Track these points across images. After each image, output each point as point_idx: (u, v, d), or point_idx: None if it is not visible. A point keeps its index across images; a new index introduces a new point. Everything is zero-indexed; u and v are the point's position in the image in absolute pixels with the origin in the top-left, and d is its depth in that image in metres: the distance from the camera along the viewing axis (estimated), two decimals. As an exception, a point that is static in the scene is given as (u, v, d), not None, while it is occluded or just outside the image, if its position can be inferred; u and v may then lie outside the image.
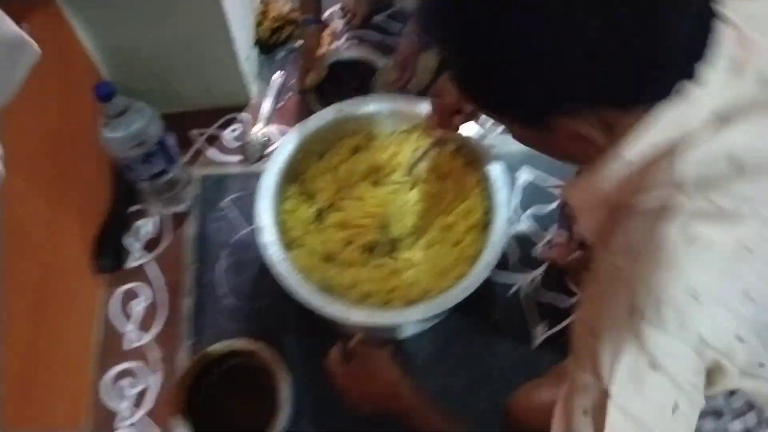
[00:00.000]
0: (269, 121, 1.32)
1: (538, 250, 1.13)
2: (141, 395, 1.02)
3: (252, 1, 1.42)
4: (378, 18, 1.48)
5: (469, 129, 1.00)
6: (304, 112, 1.25)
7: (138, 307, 1.10)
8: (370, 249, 1.01)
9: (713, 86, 0.46)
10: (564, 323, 1.04)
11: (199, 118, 1.31)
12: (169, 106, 1.18)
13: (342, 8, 1.50)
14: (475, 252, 0.95)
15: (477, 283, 0.89)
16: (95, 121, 0.99)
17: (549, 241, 1.13)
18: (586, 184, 0.55)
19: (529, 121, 0.52)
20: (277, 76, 1.37)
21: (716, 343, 0.45)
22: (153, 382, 1.03)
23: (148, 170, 1.05)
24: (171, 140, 1.09)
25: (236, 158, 1.28)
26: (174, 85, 1.26)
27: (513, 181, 1.18)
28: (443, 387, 1.01)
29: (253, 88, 1.35)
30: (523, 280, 1.10)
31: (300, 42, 1.36)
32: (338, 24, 1.48)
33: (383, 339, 1.03)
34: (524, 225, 1.16)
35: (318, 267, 0.97)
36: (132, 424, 1.00)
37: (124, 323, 1.09)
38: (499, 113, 0.55)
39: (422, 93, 1.22)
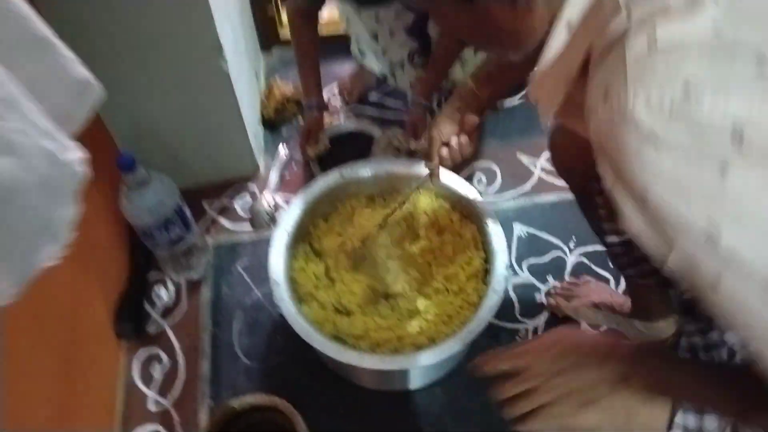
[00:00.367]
0: (276, 190, 1.41)
1: (540, 296, 1.19)
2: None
3: (257, 83, 1.56)
4: (373, 96, 1.61)
5: (466, 188, 1.09)
6: (308, 181, 1.35)
7: (157, 371, 1.14)
8: (376, 300, 1.07)
9: None
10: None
11: (210, 191, 1.41)
12: (182, 181, 1.27)
13: (338, 87, 1.63)
14: (477, 299, 1.02)
15: (481, 325, 0.94)
16: (114, 191, 1.07)
17: (548, 291, 1.19)
18: (542, 71, 0.55)
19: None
20: (282, 150, 1.48)
21: None
22: (173, 445, 1.06)
23: (166, 237, 1.13)
24: (187, 209, 1.17)
25: (246, 226, 1.36)
26: (187, 161, 1.36)
27: (508, 233, 1.26)
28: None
29: (260, 161, 1.45)
30: (526, 328, 1.15)
31: (301, 119, 1.48)
32: (336, 101, 1.61)
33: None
34: (522, 276, 1.23)
35: (329, 319, 1.02)
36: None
37: (145, 387, 1.13)
38: None
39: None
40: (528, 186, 1.39)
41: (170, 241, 1.14)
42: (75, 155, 0.45)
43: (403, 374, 1.05)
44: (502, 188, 1.39)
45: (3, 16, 0.39)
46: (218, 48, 1.16)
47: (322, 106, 1.43)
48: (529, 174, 1.42)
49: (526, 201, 1.36)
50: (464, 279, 1.06)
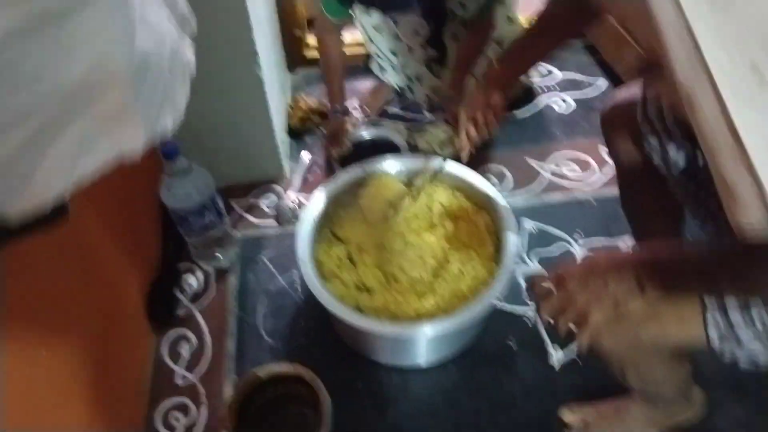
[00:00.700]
0: (299, 191, 1.50)
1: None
2: (189, 429, 1.10)
3: (285, 95, 1.67)
4: (391, 109, 1.72)
5: (479, 180, 1.18)
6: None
7: (185, 350, 1.21)
8: (395, 279, 1.14)
9: None
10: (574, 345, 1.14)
11: (237, 190, 1.51)
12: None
13: (359, 102, 1.74)
14: (490, 280, 1.08)
15: (493, 297, 1.01)
16: (151, 181, 1.16)
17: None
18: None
19: None
20: (306, 156, 1.58)
21: None
22: (201, 415, 1.12)
23: (201, 222, 1.21)
24: (220, 200, 1.26)
25: (271, 222, 1.44)
26: (219, 161, 1.46)
27: (519, 223, 1.34)
28: (471, 410, 1.09)
29: (285, 165, 1.55)
30: (533, 311, 1.21)
31: (324, 128, 1.60)
32: (357, 114, 1.72)
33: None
34: (532, 266, 1.30)
35: (351, 295, 1.10)
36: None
37: (173, 363, 1.19)
38: None
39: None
40: (537, 186, 1.48)
41: (204, 226, 1.23)
42: (188, 49, 0.53)
43: (418, 348, 1.11)
44: (513, 189, 1.48)
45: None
46: (254, 54, 1.27)
47: (346, 111, 1.54)
48: (537, 176, 1.50)
49: (536, 200, 1.44)
50: (478, 262, 1.13)
